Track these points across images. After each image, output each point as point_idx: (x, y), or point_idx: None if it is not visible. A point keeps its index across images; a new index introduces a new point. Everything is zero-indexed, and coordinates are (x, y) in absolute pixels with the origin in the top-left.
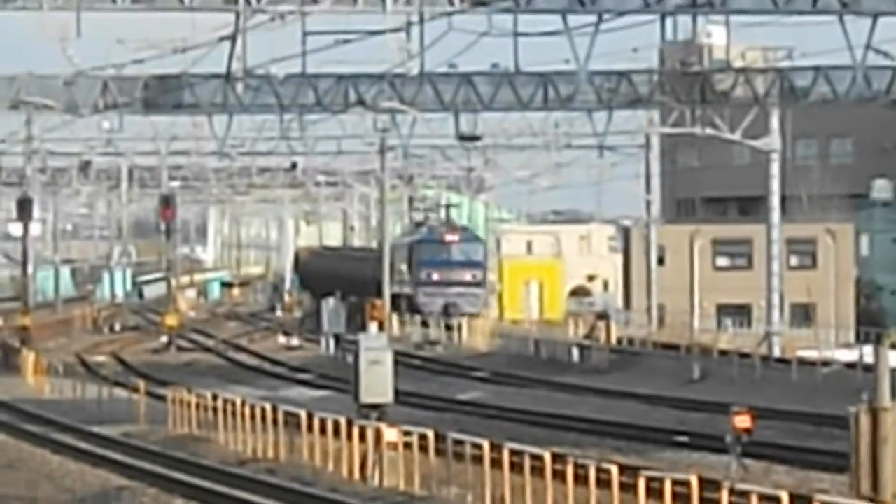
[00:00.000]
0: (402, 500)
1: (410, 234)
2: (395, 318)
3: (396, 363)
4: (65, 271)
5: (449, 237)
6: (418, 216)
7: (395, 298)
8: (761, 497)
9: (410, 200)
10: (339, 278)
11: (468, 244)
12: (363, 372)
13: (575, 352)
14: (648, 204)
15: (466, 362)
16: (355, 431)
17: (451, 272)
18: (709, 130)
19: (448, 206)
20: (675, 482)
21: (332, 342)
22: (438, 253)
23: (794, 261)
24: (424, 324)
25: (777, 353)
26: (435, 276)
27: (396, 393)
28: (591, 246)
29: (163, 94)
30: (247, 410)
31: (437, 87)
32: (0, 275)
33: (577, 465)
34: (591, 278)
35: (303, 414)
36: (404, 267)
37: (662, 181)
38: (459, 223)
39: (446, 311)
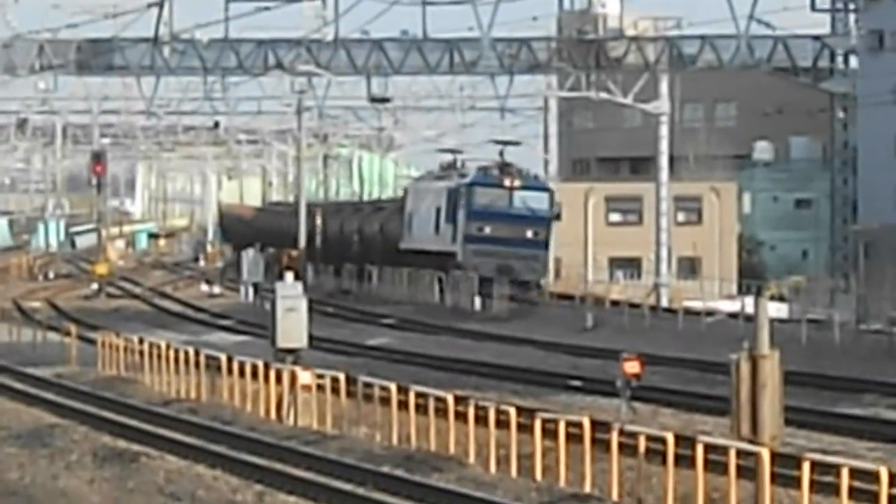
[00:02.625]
0: (315, 438)
1: (444, 177)
2: (309, 267)
3: (311, 310)
4: (2, 222)
5: (510, 181)
6: (446, 159)
7: (409, 255)
8: (649, 438)
9: (325, 157)
10: (262, 231)
11: (533, 192)
12: (280, 318)
13: (477, 301)
14: (546, 163)
15: (376, 309)
16: (272, 374)
17: (509, 226)
18: (603, 94)
19: (505, 143)
20: (568, 423)
21: (251, 290)
22: (496, 201)
23: (681, 217)
24: (337, 273)
25: (665, 303)
26: (488, 230)
27: (311, 338)
28: None
29: (95, 57)
30: (171, 354)
31: (350, 52)
32: None
33: (477, 407)
34: None
35: (223, 357)
36: (439, 218)
37: (559, 142)
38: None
39: (500, 274)
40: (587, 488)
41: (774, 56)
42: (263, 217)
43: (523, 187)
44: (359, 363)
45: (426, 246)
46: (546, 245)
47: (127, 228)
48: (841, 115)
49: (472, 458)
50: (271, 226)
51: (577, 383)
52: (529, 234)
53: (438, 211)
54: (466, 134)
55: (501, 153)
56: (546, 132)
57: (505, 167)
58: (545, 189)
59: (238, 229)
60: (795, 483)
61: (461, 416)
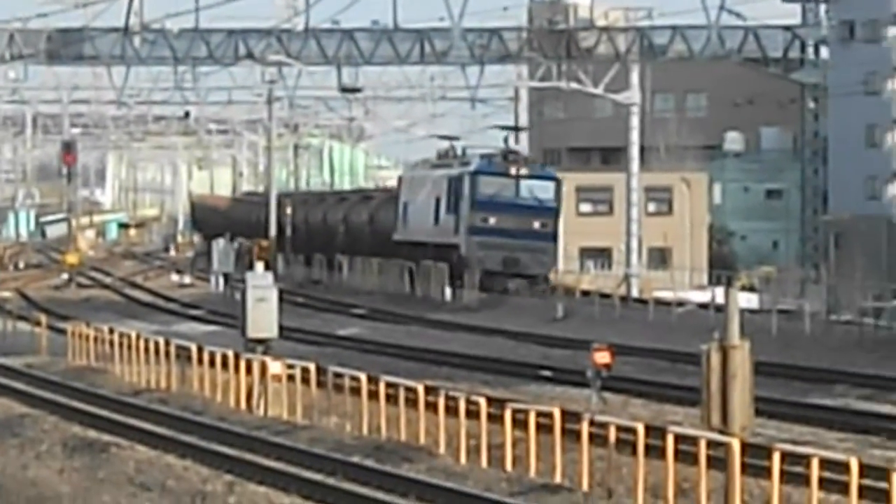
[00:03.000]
0: (285, 428)
1: (444, 165)
2: (280, 257)
3: (281, 300)
4: None
5: (515, 170)
6: (442, 145)
7: (404, 247)
8: (619, 428)
9: (296, 147)
10: (237, 222)
11: (540, 181)
12: (250, 308)
13: (447, 291)
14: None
15: (346, 300)
16: (242, 364)
17: (516, 217)
18: (574, 85)
19: (513, 129)
20: (539, 414)
21: (221, 280)
22: (501, 190)
23: (651, 207)
24: (308, 262)
25: (635, 293)
26: (493, 221)
27: (281, 328)
28: None
29: (65, 47)
30: (141, 344)
31: (321, 42)
32: None
33: (448, 398)
34: None
35: (193, 347)
36: (439, 208)
37: (530, 132)
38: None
39: (505, 268)
40: (557, 478)
41: (745, 46)
42: (238, 207)
43: (529, 176)
44: (329, 353)
45: (425, 238)
46: (554, 237)
47: (97, 218)
48: (811, 105)
49: (442, 449)
50: (249, 216)
51: (547, 373)
52: (537, 224)
53: (438, 201)
54: (437, 124)
55: (506, 139)
56: (517, 122)
57: (510, 154)
58: (552, 178)
59: (211, 220)
60: (766, 473)
61: (431, 407)
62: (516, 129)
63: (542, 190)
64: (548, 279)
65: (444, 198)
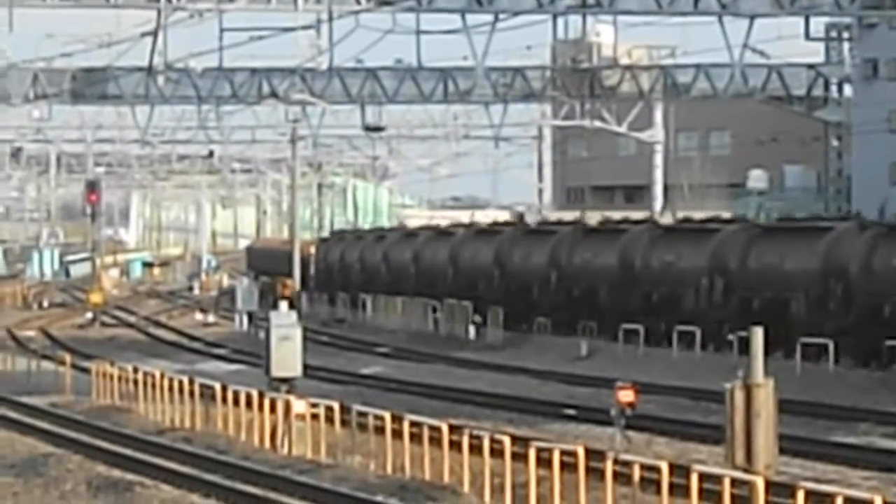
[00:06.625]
0: (309, 467)
1: None
2: (304, 296)
3: (305, 339)
4: None
5: None
6: None
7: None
8: (643, 467)
9: (319, 186)
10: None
11: None
12: (274, 347)
13: (472, 329)
14: (540, 191)
15: (370, 338)
16: (266, 403)
17: None
18: (597, 123)
19: None
20: (563, 452)
21: (245, 319)
22: None
23: None
24: (331, 301)
25: None
26: None
27: (305, 367)
28: None
29: (89, 86)
30: (165, 383)
31: (344, 81)
32: None
33: (472, 436)
34: None
35: (217, 386)
36: None
37: (554, 170)
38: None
39: None
40: None
41: (769, 85)
42: (334, 248)
43: None
44: (353, 392)
45: None
46: None
47: (121, 257)
48: (835, 143)
49: (466, 487)
50: (345, 260)
51: (571, 412)
52: None
53: None
54: (461, 163)
55: None
56: (540, 161)
57: None
58: None
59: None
60: None
61: (456, 445)
62: None
63: None
64: None
65: None
